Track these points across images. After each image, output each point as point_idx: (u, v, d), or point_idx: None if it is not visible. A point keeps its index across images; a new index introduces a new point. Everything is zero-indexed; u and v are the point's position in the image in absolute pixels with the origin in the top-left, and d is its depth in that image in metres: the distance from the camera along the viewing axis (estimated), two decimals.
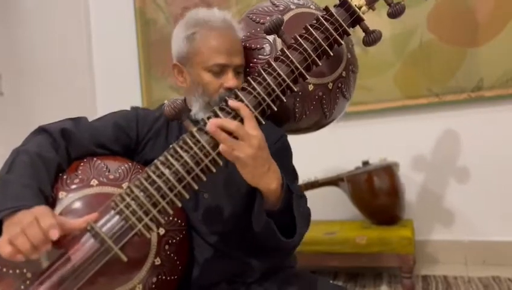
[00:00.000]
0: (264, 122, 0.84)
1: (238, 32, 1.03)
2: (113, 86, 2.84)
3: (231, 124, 0.79)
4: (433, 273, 2.02)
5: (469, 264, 2.08)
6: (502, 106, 2.06)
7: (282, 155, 1.00)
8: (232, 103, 0.81)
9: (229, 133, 0.79)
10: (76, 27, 2.89)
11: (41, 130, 0.94)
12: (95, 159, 0.94)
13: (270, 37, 1.08)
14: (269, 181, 0.85)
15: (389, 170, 1.98)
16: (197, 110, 1.00)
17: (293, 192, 0.91)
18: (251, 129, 0.80)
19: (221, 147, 0.79)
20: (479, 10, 2.06)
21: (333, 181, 2.12)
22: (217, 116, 0.81)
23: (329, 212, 2.29)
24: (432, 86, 2.14)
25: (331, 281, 1.19)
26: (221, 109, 0.82)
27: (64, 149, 0.92)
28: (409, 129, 2.19)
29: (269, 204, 0.89)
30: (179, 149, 0.80)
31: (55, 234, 0.72)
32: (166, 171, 0.79)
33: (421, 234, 2.15)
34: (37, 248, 0.72)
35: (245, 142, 0.79)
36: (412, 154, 2.17)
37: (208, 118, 0.82)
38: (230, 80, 0.97)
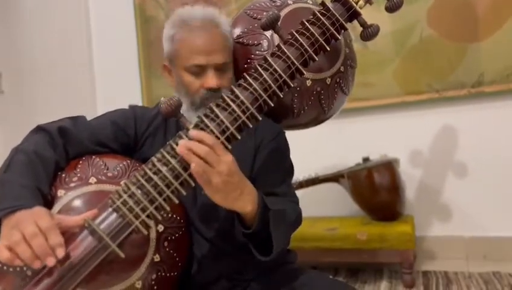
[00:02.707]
0: (260, 118, 0.83)
1: (222, 28, 1.01)
2: (113, 85, 2.84)
3: (201, 149, 0.76)
4: (434, 269, 2.02)
5: (469, 259, 2.08)
6: (503, 101, 2.05)
7: (279, 153, 0.99)
8: (194, 133, 0.77)
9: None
10: (76, 26, 2.89)
11: (39, 129, 0.94)
12: (93, 157, 0.95)
13: (268, 33, 1.07)
14: (243, 204, 0.83)
15: (389, 166, 1.97)
16: (184, 110, 0.98)
17: (270, 209, 0.87)
18: (221, 155, 0.77)
19: (193, 169, 0.76)
20: (479, 5, 2.05)
21: (333, 177, 2.12)
22: (202, 122, 0.80)
23: (329, 208, 2.30)
24: (432, 81, 2.13)
25: (331, 277, 1.19)
26: (206, 116, 0.81)
27: (62, 147, 0.92)
28: (409, 125, 2.19)
29: (246, 223, 0.88)
30: (175, 146, 0.80)
31: (61, 253, 0.72)
32: (163, 168, 0.79)
33: (422, 230, 2.15)
34: (41, 259, 0.71)
35: (214, 169, 0.76)
36: (412, 151, 2.17)
37: (189, 130, 0.80)
38: (209, 80, 0.96)
